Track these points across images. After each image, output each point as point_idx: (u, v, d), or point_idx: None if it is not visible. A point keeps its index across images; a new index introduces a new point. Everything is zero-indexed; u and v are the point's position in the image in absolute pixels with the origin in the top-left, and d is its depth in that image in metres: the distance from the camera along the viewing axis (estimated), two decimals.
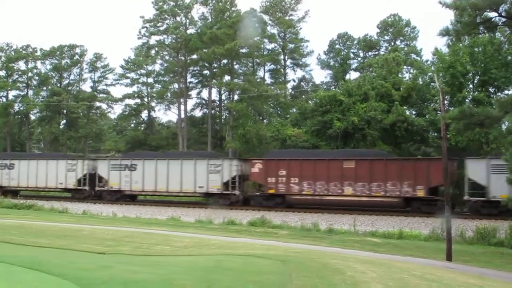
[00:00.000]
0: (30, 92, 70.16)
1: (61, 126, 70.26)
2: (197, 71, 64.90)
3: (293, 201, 34.70)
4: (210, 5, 59.27)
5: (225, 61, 59.09)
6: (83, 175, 42.47)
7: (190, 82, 64.49)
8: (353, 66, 67.82)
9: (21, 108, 69.54)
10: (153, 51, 64.18)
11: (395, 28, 64.08)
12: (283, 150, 42.35)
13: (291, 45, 66.99)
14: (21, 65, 69.79)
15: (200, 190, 37.55)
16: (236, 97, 59.02)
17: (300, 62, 69.04)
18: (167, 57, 64.59)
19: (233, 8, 58.11)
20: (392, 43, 64.79)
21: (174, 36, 58.93)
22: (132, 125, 72.71)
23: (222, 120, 63.61)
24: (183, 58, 60.02)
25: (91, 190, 42.31)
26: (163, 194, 40.11)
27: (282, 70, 68.21)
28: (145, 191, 40.28)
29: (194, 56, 60.19)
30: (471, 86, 42.19)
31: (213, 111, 61.63)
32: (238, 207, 35.47)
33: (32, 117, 72.28)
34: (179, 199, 41.32)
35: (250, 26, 55.34)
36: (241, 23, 54.21)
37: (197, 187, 37.38)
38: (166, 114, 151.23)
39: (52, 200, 41.21)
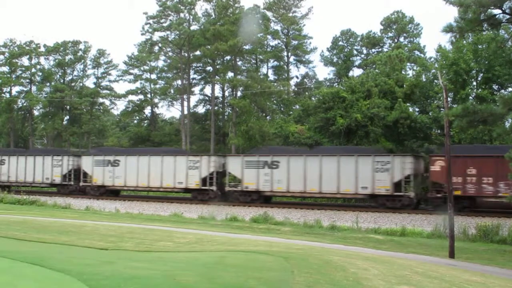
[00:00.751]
0: (34, 88, 70.41)
1: (64, 122, 70.36)
2: (200, 68, 64.92)
3: (486, 205, 30.62)
4: (213, 1, 59.17)
5: (228, 57, 59.10)
6: (209, 173, 37.44)
7: (193, 79, 64.54)
8: (356, 63, 67.65)
9: (24, 104, 69.70)
10: (156, 48, 64.23)
11: (399, 25, 63.86)
12: (469, 145, 36.45)
13: (294, 42, 66.94)
14: (25, 61, 69.96)
15: (363, 192, 32.67)
16: (239, 93, 59.04)
17: (303, 59, 68.92)
18: (170, 54, 64.67)
19: (236, 5, 58.09)
20: (396, 40, 64.59)
21: (177, 32, 58.91)
22: (135, 121, 72.80)
23: (225, 116, 63.55)
24: (186, 54, 60.01)
25: (218, 190, 37.53)
26: (315, 196, 36.12)
27: (285, 66, 68.14)
28: (290, 191, 35.28)
29: (197, 53, 60.19)
30: (474, 83, 42.18)
31: (216, 108, 61.63)
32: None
33: (35, 113, 72.62)
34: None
35: (252, 22, 55.30)
36: (243, 19, 54.22)
37: (359, 188, 32.55)
38: (169, 111, 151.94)
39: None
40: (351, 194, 33.70)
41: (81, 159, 43.41)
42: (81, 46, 70.74)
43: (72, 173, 43.57)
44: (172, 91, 65.31)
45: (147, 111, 69.91)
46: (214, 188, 37.34)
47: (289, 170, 34.73)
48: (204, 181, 37.59)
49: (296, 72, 73.03)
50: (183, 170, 38.11)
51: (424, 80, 47.49)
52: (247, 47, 58.21)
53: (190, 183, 37.94)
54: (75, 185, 43.35)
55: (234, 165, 37.06)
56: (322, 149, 37.17)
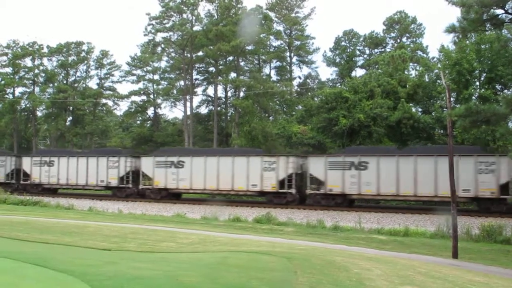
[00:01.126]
0: (37, 89, 70.52)
1: (67, 123, 70.48)
2: (202, 68, 65.03)
3: None
4: (216, 2, 59.26)
5: (230, 58, 59.19)
6: (287, 175, 34.93)
7: (195, 79, 64.60)
8: (359, 63, 67.67)
9: (28, 105, 69.83)
10: (159, 48, 64.31)
11: (401, 25, 63.88)
12: None
13: (297, 42, 67.07)
14: (28, 62, 70.23)
15: (464, 194, 29.84)
16: (241, 94, 59.10)
17: (306, 59, 69.06)
18: (173, 54, 64.73)
19: (238, 6, 58.16)
20: (398, 40, 64.60)
21: (180, 33, 59.01)
22: (138, 122, 72.90)
23: (228, 117, 63.64)
24: (188, 55, 60.06)
25: (297, 193, 34.98)
26: (409, 199, 33.53)
27: (288, 67, 68.24)
28: (381, 194, 32.86)
29: (200, 53, 60.31)
30: (477, 83, 42.05)
31: (218, 108, 61.69)
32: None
33: (39, 114, 72.70)
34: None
35: (254, 22, 55.32)
36: (245, 19, 54.30)
37: (460, 190, 28.65)
38: (171, 111, 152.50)
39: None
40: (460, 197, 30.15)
41: (140, 160, 41.23)
42: (84, 47, 71.03)
43: (130, 175, 41.16)
44: (175, 91, 65.40)
45: (150, 111, 70.09)
46: (293, 191, 34.80)
47: (379, 171, 32.31)
48: (281, 183, 35.09)
49: (299, 72, 73.00)
50: (257, 171, 35.66)
51: (427, 80, 47.42)
52: (249, 47, 58.26)
53: (265, 186, 35.44)
54: (134, 188, 41.15)
55: (316, 166, 34.42)
56: (417, 149, 34.62)
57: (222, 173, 36.81)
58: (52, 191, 45.27)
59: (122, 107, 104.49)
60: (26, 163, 46.24)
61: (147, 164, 40.23)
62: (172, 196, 39.75)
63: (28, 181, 45.72)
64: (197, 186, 38.12)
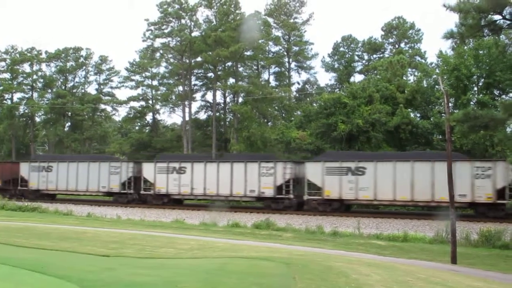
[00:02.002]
0: (35, 95, 70.69)
1: (66, 129, 70.49)
2: (201, 74, 65.00)
3: None
4: (215, 7, 59.39)
5: (229, 63, 59.25)
6: (508, 183, 29.24)
7: (194, 85, 64.57)
8: (358, 69, 67.79)
9: (26, 111, 69.85)
10: (157, 54, 64.36)
11: (400, 30, 64.07)
12: None
13: (295, 48, 67.11)
14: (26, 67, 70.34)
15: None
16: (240, 99, 59.15)
17: (305, 65, 69.07)
18: (171, 60, 64.74)
19: (237, 11, 58.27)
20: (397, 46, 64.74)
21: (179, 38, 59.11)
22: (137, 127, 72.86)
23: (227, 122, 63.63)
24: (187, 60, 60.11)
25: None
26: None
27: (286, 72, 68.22)
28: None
29: (199, 59, 60.32)
30: (475, 88, 42.19)
31: (217, 114, 61.66)
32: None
33: (37, 120, 72.66)
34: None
35: (252, 28, 55.41)
36: (244, 25, 54.43)
37: None
38: (170, 117, 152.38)
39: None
40: None
41: (304, 166, 35.50)
42: (83, 53, 71.18)
43: (290, 183, 35.43)
44: (173, 97, 65.38)
45: (149, 117, 70.15)
46: None
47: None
48: (499, 193, 29.36)
49: (297, 78, 72.90)
50: (466, 179, 29.87)
51: (425, 85, 47.54)
52: (248, 53, 58.35)
53: (478, 196, 29.66)
54: (294, 198, 35.44)
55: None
56: None
57: (418, 181, 31.36)
58: (179, 201, 41.04)
59: (121, 113, 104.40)
60: (148, 170, 40.85)
61: (314, 171, 34.63)
62: (346, 208, 34.77)
63: (151, 191, 40.61)
64: (383, 196, 32.64)
